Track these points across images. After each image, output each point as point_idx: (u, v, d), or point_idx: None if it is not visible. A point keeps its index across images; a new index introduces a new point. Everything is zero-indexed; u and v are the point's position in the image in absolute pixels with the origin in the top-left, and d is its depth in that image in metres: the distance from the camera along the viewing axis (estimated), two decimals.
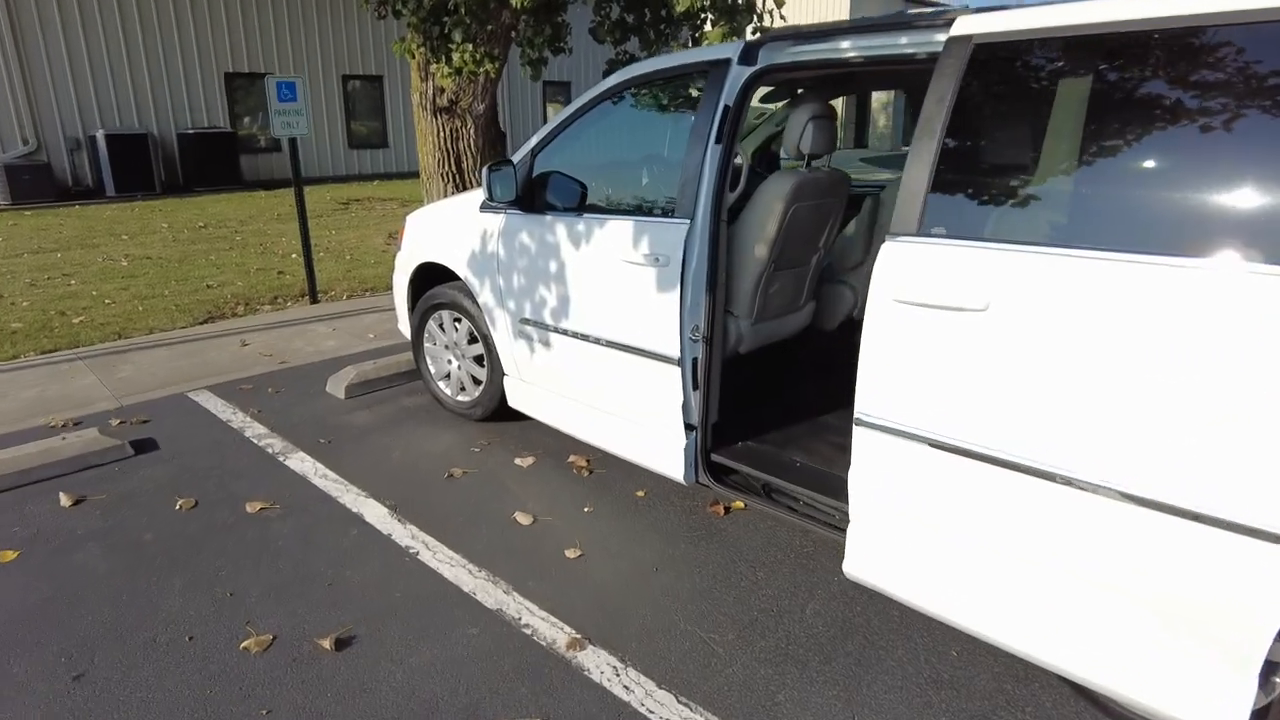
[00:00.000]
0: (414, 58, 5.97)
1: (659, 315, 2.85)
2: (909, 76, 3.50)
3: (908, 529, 2.23)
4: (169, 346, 5.43)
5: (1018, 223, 1.99)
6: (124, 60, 13.85)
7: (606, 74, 6.43)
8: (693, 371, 2.88)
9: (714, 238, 2.74)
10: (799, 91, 4.07)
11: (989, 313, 1.95)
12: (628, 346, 3.00)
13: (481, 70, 5.59)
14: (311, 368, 4.97)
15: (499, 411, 3.88)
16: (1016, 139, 2.05)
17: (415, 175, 6.41)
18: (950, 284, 2.02)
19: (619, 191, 3.24)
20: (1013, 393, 1.94)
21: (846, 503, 2.44)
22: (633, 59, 6.41)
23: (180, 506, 3.26)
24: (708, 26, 6.23)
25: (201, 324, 6.04)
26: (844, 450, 3.03)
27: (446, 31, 5.53)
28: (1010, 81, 2.05)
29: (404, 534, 3.06)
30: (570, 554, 2.91)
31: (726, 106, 2.70)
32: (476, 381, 3.98)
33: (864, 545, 2.36)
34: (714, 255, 2.76)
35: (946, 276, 2.03)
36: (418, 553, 2.93)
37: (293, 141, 6.33)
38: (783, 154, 4.49)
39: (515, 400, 3.75)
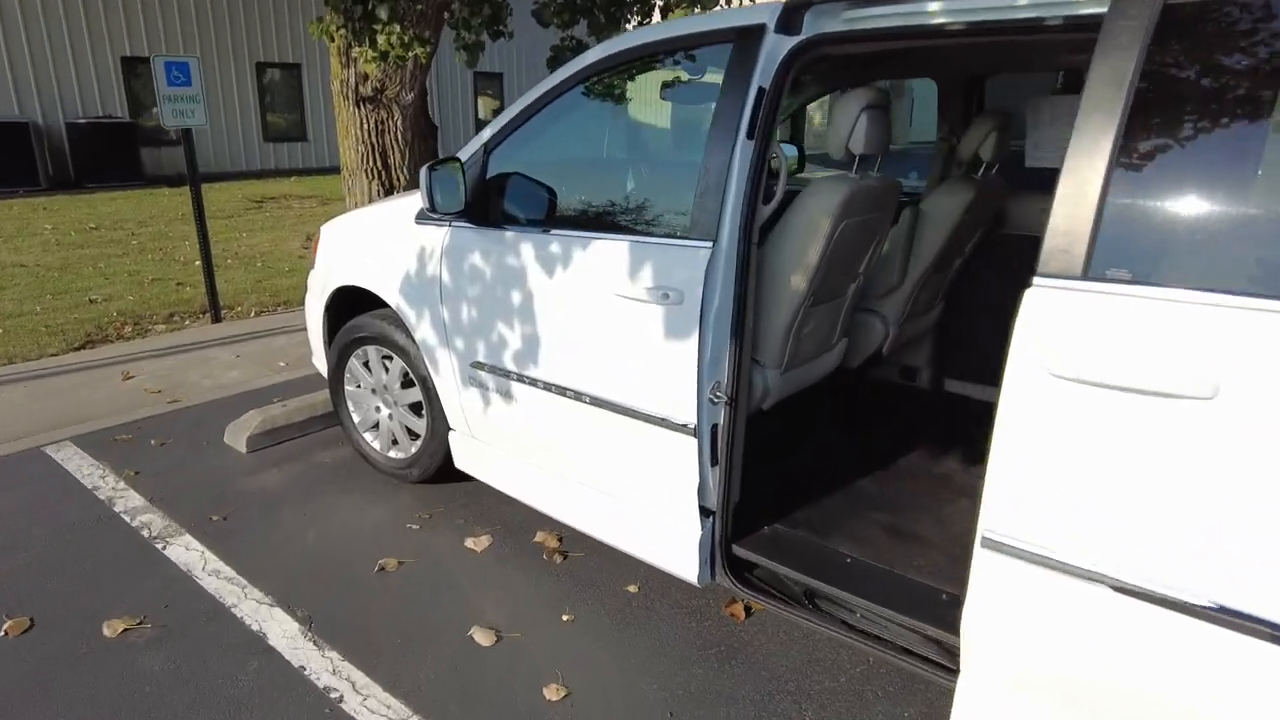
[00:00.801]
0: (333, 40, 5.15)
1: (668, 369, 2.13)
2: (1017, 52, 2.81)
3: (1068, 705, 1.55)
4: (29, 382, 4.44)
5: (1256, 263, 1.33)
6: (0, 40, 12.33)
7: (551, 63, 5.70)
8: (712, 442, 2.16)
9: (743, 267, 2.03)
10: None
11: (1219, 402, 1.29)
12: (623, 408, 2.27)
13: (410, 55, 4.81)
14: (208, 409, 4.06)
15: (443, 471, 3.09)
16: (1245, 135, 1.39)
17: (337, 171, 5.55)
18: (1148, 356, 1.35)
19: (606, 201, 2.49)
20: (1260, 524, 1.27)
21: (929, 623, 1.81)
22: (580, 46, 5.69)
23: (6, 632, 2.37)
24: (655, 16, 5.56)
25: (77, 350, 5.04)
26: (905, 539, 2.35)
27: (371, 9, 4.71)
28: (1231, 49, 1.39)
29: (322, 665, 2.25)
30: (551, 694, 2.15)
31: (761, 90, 1.98)
32: (413, 435, 3.17)
33: (990, 714, 1.67)
34: (743, 290, 2.05)
35: (1141, 344, 1.36)
36: (341, 697, 2.13)
37: (187, 133, 5.35)
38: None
39: (464, 461, 2.96)
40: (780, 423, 2.87)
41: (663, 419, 2.18)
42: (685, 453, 2.17)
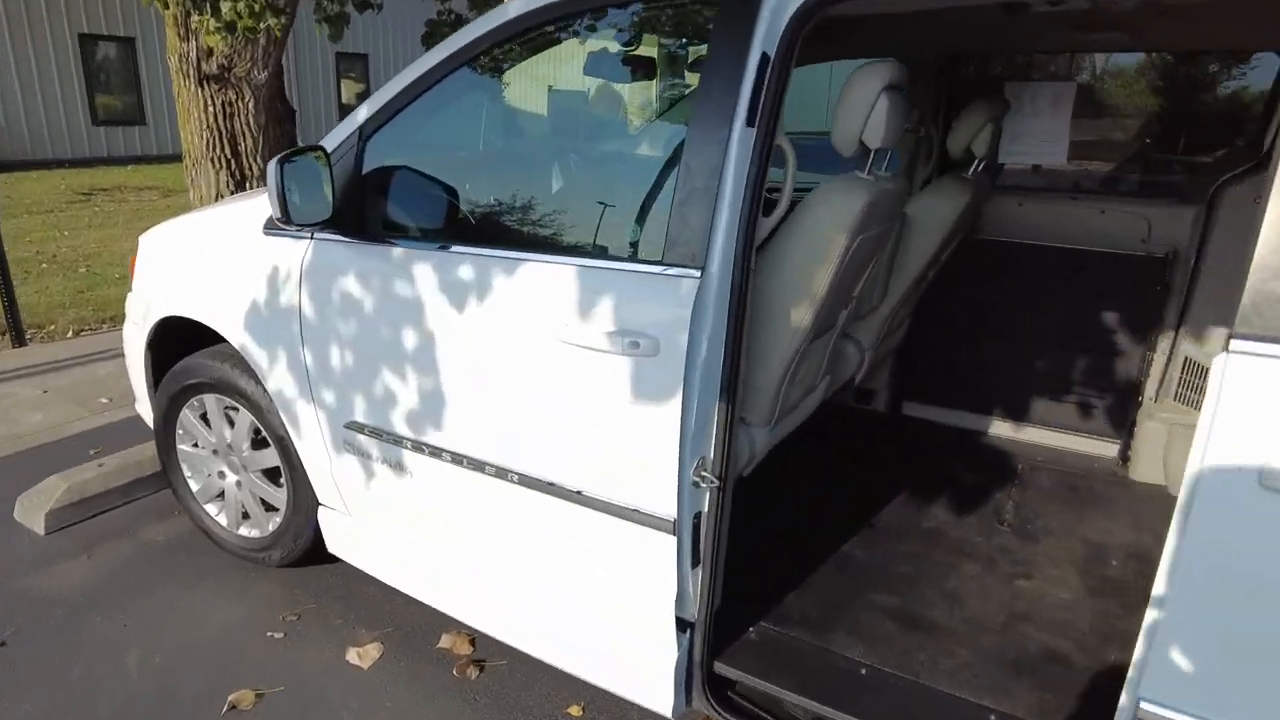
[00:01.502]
0: (168, 8, 4.28)
1: (637, 443, 1.53)
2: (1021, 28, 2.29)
3: None
4: None
5: None
6: None
7: (427, 39, 4.97)
8: (694, 537, 1.59)
9: (739, 303, 1.46)
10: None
11: None
12: (569, 493, 1.66)
13: (262, 26, 4.00)
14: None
15: (312, 553, 2.38)
16: None
17: (180, 159, 4.64)
18: None
19: (540, 208, 1.86)
20: None
21: None
22: (459, 21, 5.00)
23: None
24: None
25: None
26: (920, 629, 1.86)
27: None
28: None
29: None
30: None
31: (766, 58, 1.41)
32: (270, 508, 2.44)
33: None
34: (738, 335, 1.48)
35: None
36: None
37: None
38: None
39: (340, 545, 2.27)
40: (760, 481, 2.34)
41: (630, 510, 1.58)
42: (659, 553, 1.59)
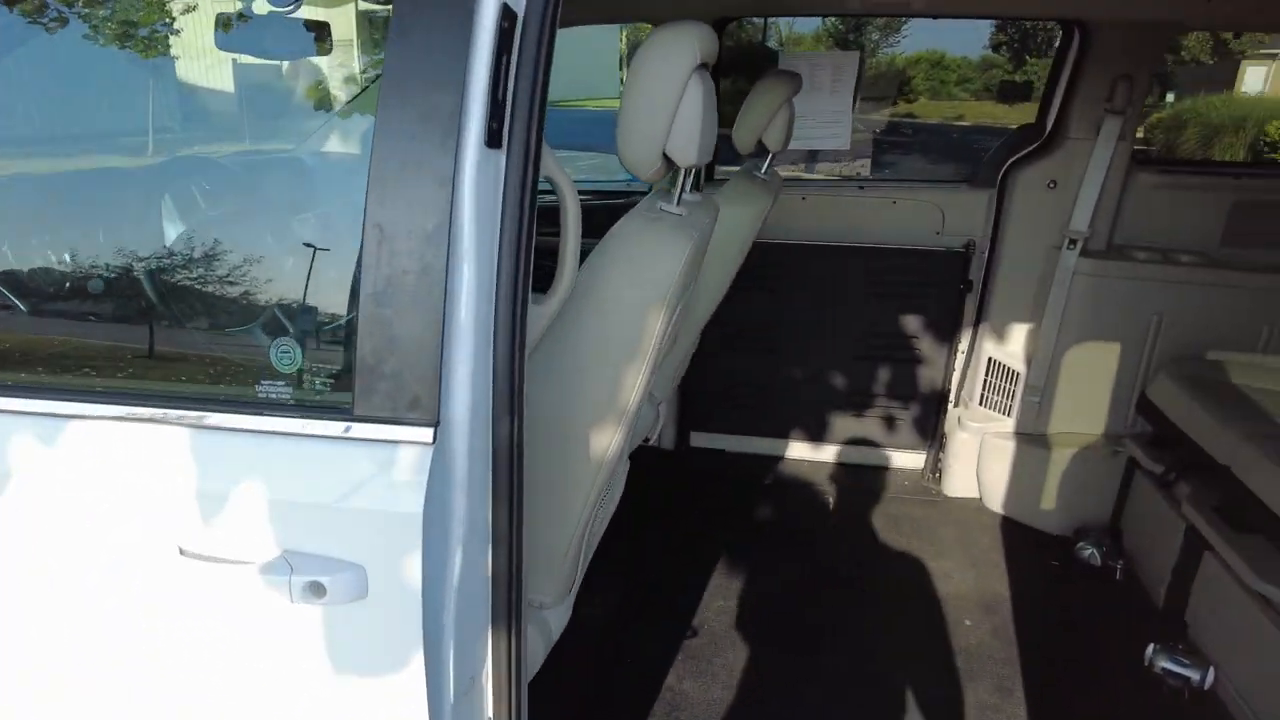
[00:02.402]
0: None
1: None
2: None
3: None
4: None
5: None
6: None
7: None
8: None
9: (510, 466, 0.80)
10: None
11: None
12: None
13: None
14: None
15: None
16: None
17: None
18: None
19: (104, 289, 1.04)
20: None
21: None
22: None
23: None
24: None
25: None
26: None
27: None
28: None
29: None
30: None
31: (508, 13, 0.74)
32: None
33: None
34: (511, 519, 0.82)
35: None
36: None
37: None
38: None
39: None
40: None
41: None
42: None
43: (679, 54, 0.97)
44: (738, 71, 3.33)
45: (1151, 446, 2.10)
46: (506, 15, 0.74)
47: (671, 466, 2.60)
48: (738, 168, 2.02)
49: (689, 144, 1.01)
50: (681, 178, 1.10)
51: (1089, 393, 2.26)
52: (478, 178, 0.74)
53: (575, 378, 1.02)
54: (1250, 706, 1.60)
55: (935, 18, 2.24)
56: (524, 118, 0.76)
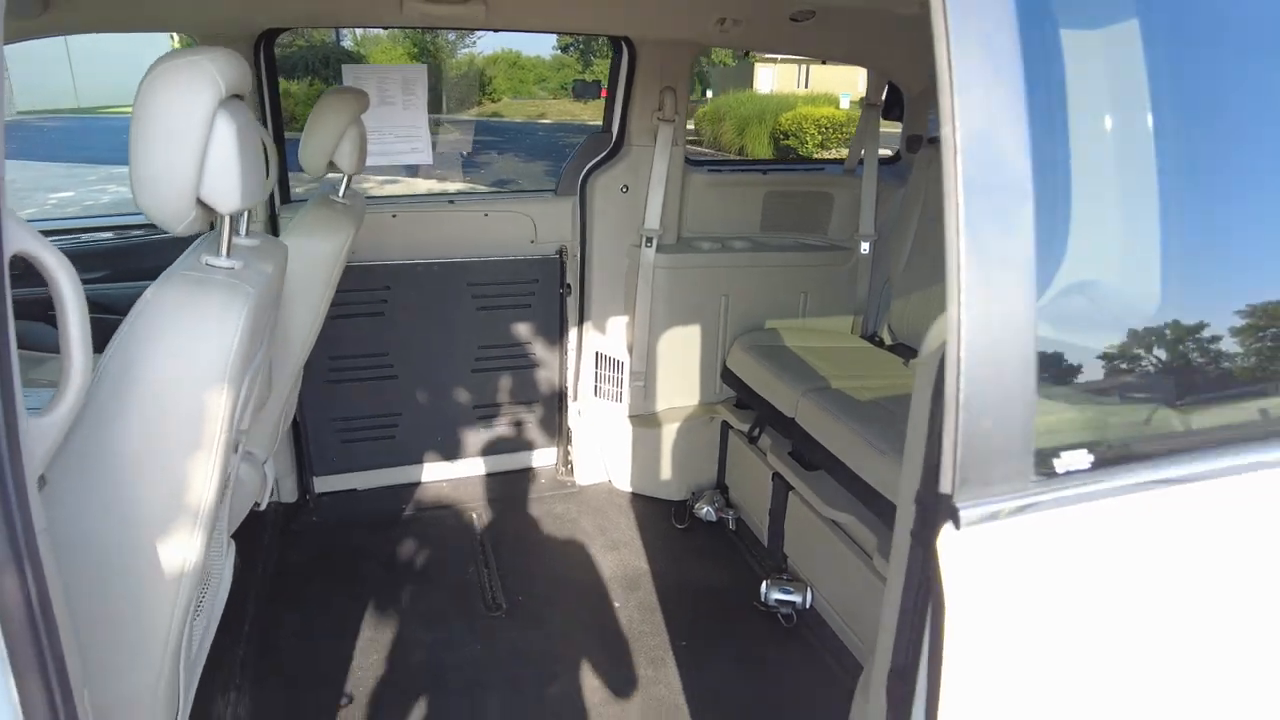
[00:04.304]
0: None
1: None
2: None
3: None
4: None
5: None
6: None
7: None
8: None
9: (39, 637, 0.63)
10: None
11: None
12: None
13: None
14: None
15: None
16: None
17: None
18: None
19: None
20: None
21: None
22: None
23: None
24: None
25: None
26: None
27: None
28: None
29: None
30: None
31: None
32: None
33: None
34: (68, 709, 0.65)
35: None
36: None
37: None
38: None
39: None
40: None
41: None
42: None
43: (195, 90, 0.84)
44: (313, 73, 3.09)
45: (737, 409, 2.42)
46: None
47: (296, 520, 2.35)
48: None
49: (230, 189, 0.88)
50: (228, 225, 0.95)
51: (683, 370, 2.51)
52: None
53: (124, 490, 0.83)
54: (837, 612, 1.93)
55: (495, 30, 2.29)
56: None
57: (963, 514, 0.70)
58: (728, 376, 2.43)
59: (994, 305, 0.69)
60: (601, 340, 2.52)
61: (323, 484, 2.46)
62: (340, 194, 1.78)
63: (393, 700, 1.69)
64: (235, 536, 1.42)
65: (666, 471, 2.50)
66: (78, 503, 0.80)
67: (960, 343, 0.67)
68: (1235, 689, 0.85)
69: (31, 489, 0.61)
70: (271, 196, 2.11)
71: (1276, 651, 0.85)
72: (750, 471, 2.33)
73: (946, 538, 0.71)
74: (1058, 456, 0.73)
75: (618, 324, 2.51)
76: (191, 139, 0.84)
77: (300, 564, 2.15)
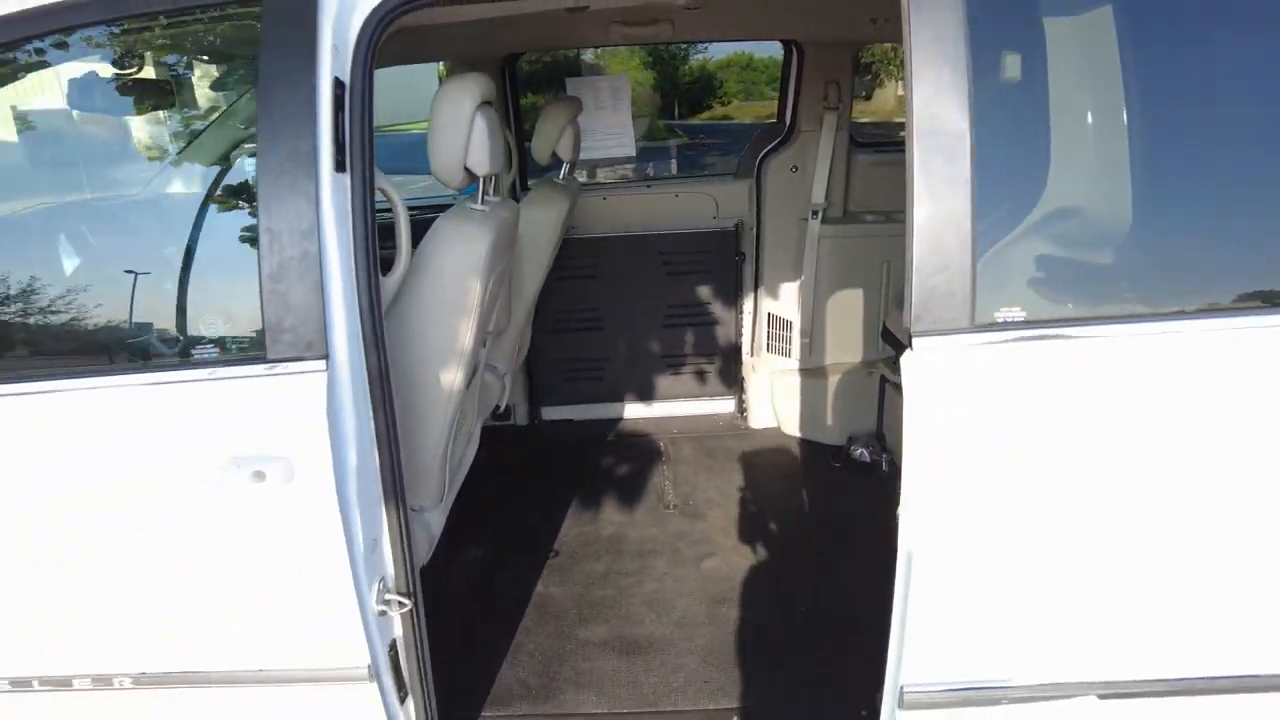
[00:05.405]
0: None
1: (302, 593, 1.20)
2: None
3: None
4: None
5: None
6: None
7: None
8: (394, 671, 1.31)
9: (381, 387, 1.19)
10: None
11: None
12: (252, 673, 1.26)
13: None
14: None
15: None
16: None
17: None
18: None
19: (49, 304, 1.33)
20: None
21: None
22: None
23: None
24: None
25: None
26: (656, 652, 1.81)
27: None
28: None
29: None
30: None
31: (340, 84, 1.14)
32: None
33: None
34: (389, 427, 1.21)
35: None
36: None
37: None
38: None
39: None
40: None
41: (317, 674, 1.24)
42: (363, 707, 1.28)
43: (462, 99, 1.40)
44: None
45: (894, 365, 2.71)
46: (338, 85, 1.13)
47: (527, 438, 3.00)
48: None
49: (483, 158, 1.44)
50: (482, 184, 1.52)
51: (846, 329, 2.84)
52: (334, 191, 1.13)
53: (420, 329, 1.42)
54: None
55: (687, 44, 2.77)
56: (358, 151, 1.15)
57: (915, 341, 1.06)
58: (887, 336, 2.73)
59: (940, 205, 1.05)
60: (773, 303, 2.92)
61: (548, 413, 3.09)
62: (560, 177, 2.37)
63: (586, 555, 2.23)
64: (481, 446, 2.01)
65: (829, 419, 2.85)
66: (398, 334, 1.39)
67: (913, 231, 1.04)
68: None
69: (381, 311, 1.18)
70: (513, 185, 2.76)
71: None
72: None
73: (905, 357, 1.08)
74: (995, 310, 1.07)
75: (789, 288, 2.90)
76: (461, 128, 1.40)
77: (527, 465, 2.78)
